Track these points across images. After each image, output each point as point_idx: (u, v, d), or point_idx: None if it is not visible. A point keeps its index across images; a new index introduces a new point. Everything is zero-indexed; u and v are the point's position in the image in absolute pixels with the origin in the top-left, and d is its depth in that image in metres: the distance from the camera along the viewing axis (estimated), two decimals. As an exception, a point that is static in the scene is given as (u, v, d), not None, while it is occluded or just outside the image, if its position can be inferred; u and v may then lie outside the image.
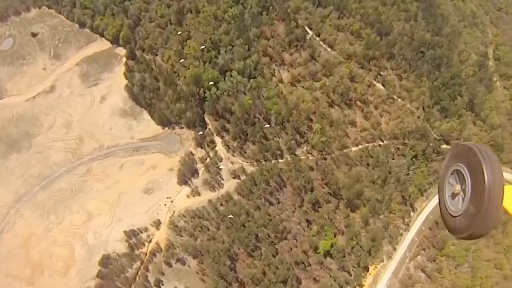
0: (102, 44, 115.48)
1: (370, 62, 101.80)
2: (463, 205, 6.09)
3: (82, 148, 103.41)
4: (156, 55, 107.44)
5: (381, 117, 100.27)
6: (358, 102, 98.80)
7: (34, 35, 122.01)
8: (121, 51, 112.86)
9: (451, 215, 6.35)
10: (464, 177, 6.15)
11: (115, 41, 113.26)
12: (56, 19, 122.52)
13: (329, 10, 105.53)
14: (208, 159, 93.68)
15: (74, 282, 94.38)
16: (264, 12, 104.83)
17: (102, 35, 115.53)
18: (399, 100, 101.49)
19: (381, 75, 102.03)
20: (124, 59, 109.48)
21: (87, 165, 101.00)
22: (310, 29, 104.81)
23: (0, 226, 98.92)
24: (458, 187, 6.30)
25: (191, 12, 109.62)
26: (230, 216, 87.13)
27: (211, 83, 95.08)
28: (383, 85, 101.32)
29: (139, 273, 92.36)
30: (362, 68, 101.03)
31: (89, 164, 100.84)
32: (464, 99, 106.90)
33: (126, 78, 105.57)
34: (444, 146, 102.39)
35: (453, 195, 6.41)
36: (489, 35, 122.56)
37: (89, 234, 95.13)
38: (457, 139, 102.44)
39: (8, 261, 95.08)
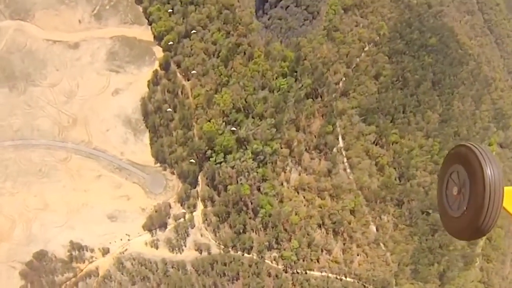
0: (145, 33, 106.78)
1: (377, 202, 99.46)
2: (463, 206, 5.95)
3: (71, 131, 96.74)
4: (189, 80, 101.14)
5: (358, 256, 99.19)
6: (345, 235, 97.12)
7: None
8: (159, 52, 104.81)
9: (450, 216, 6.25)
10: (463, 178, 6.03)
11: (158, 39, 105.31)
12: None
13: (370, 129, 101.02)
14: (182, 219, 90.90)
15: (1, 256, 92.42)
16: (310, 99, 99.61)
17: (150, 24, 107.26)
18: (383, 248, 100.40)
19: (380, 218, 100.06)
20: (157, 64, 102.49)
21: (67, 153, 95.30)
22: (343, 139, 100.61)
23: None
24: (457, 188, 6.16)
25: (244, 54, 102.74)
26: None
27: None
28: (376, 229, 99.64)
29: (67, 283, 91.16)
30: (368, 205, 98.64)
31: (70, 154, 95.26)
32: (439, 268, 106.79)
33: (148, 88, 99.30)
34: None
35: (452, 196, 6.28)
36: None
37: (36, 223, 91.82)
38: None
39: None
